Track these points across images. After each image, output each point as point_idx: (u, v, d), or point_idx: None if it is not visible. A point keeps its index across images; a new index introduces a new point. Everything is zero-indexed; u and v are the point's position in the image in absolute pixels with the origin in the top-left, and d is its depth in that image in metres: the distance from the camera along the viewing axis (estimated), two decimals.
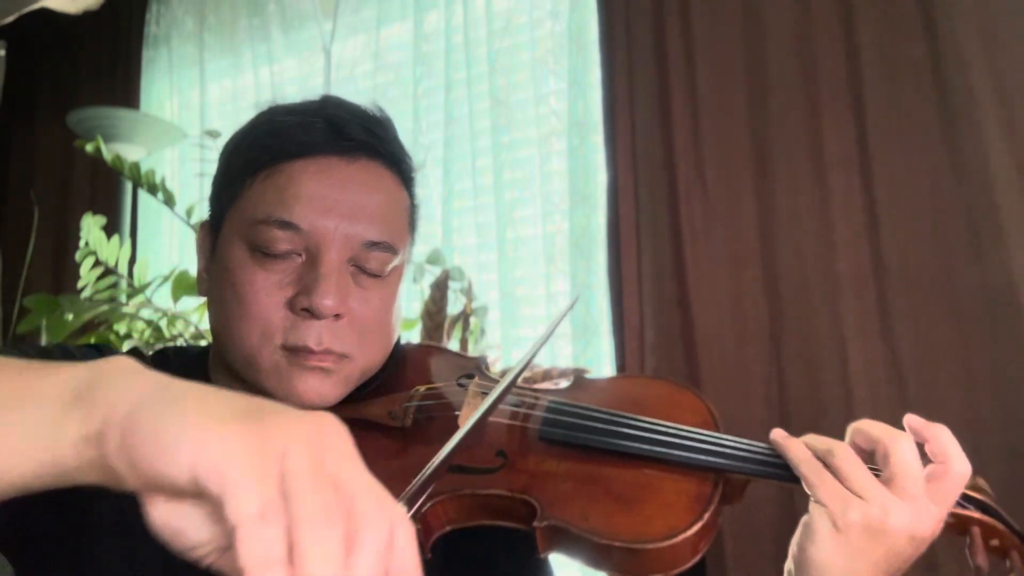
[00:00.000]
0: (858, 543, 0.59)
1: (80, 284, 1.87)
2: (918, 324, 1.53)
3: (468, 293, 1.76)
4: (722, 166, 1.75)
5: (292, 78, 2.53)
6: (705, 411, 0.73)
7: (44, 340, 1.75)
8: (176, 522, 0.36)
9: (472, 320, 1.75)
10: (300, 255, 0.70)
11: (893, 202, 1.57)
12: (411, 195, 0.79)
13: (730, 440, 0.67)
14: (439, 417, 0.74)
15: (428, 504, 0.64)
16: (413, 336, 1.73)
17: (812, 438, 0.65)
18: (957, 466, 0.61)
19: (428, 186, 2.20)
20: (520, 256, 2.06)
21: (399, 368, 0.82)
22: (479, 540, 0.71)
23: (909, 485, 0.60)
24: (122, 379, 0.39)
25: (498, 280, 2.04)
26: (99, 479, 0.38)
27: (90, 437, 0.37)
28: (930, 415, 1.65)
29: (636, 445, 0.67)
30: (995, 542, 0.65)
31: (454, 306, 1.75)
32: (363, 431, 0.74)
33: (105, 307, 1.79)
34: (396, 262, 0.75)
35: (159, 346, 1.83)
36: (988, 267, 1.48)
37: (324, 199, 0.70)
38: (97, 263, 1.88)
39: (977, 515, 0.64)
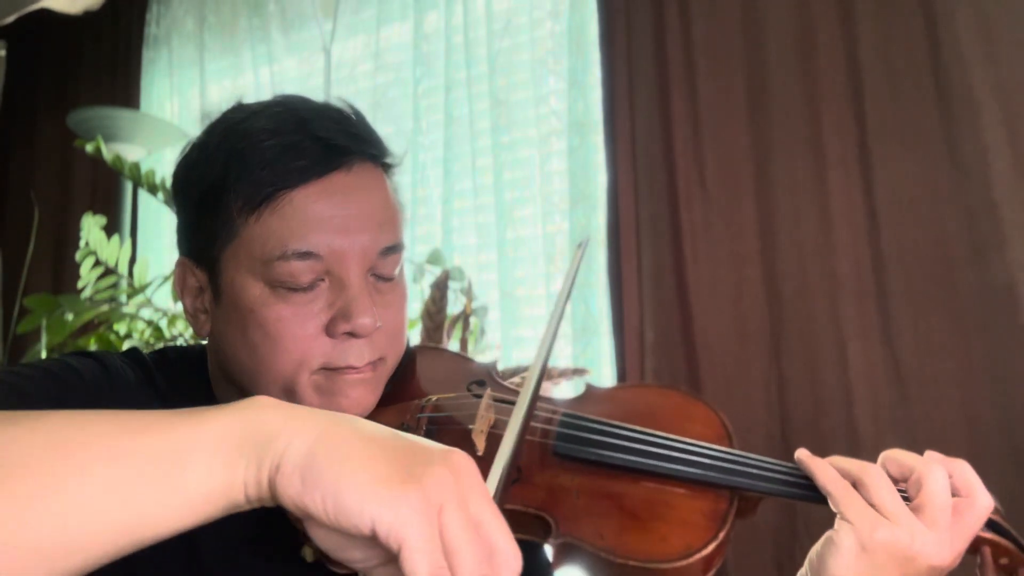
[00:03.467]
0: (881, 564, 0.59)
1: (80, 284, 1.87)
2: (918, 324, 1.53)
3: (468, 293, 1.76)
4: (722, 166, 1.75)
5: (292, 78, 2.53)
6: (719, 425, 0.72)
7: (44, 340, 1.75)
8: (337, 542, 0.44)
9: (472, 320, 1.75)
10: (323, 279, 0.69)
11: (893, 202, 1.57)
12: (392, 180, 0.78)
13: (747, 457, 0.67)
14: (452, 429, 0.73)
15: None
16: (413, 336, 1.73)
17: (840, 459, 0.66)
18: (982, 500, 0.62)
19: (428, 186, 2.20)
20: (520, 256, 2.06)
21: (409, 373, 0.82)
22: None
23: (939, 514, 0.60)
24: (279, 426, 0.44)
25: (498, 280, 2.04)
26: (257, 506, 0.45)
27: (261, 482, 0.43)
28: (930, 415, 1.64)
29: (652, 462, 0.66)
30: (1004, 560, 0.66)
31: (454, 306, 1.75)
32: None
33: (105, 307, 1.79)
34: (402, 260, 0.75)
35: (159, 346, 1.83)
36: (988, 267, 1.48)
37: (335, 218, 0.68)
38: (97, 263, 1.88)
39: (988, 535, 0.65)
